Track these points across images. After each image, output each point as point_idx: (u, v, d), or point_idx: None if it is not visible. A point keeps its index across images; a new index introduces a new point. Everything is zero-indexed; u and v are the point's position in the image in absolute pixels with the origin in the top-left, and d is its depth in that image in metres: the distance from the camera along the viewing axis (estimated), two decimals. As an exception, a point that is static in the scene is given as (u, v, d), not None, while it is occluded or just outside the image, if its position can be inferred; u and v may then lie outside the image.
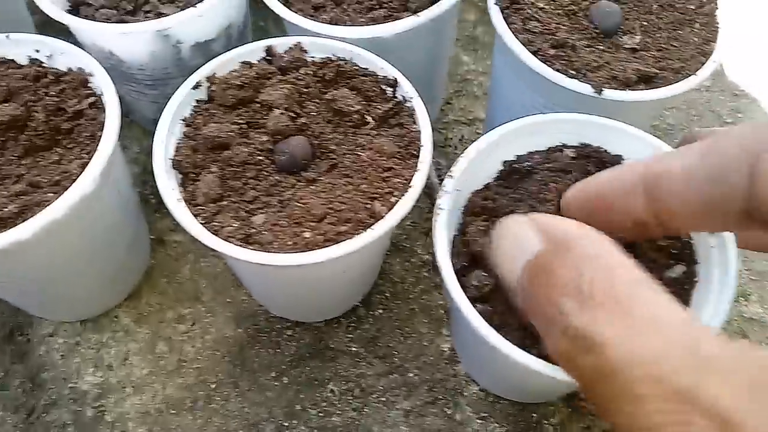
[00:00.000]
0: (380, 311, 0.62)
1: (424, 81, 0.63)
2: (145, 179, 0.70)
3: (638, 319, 0.24)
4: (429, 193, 0.66)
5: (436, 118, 0.74)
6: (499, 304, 0.41)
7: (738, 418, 0.20)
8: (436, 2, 0.54)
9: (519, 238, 0.30)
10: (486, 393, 0.58)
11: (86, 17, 0.60)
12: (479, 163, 0.47)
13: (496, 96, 0.62)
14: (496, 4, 0.53)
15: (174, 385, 0.58)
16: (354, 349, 0.60)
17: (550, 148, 0.48)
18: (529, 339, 0.40)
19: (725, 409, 0.20)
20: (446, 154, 0.71)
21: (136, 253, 0.61)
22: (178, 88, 0.60)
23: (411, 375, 0.59)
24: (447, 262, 0.42)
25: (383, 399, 0.58)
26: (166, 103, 0.63)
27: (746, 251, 0.58)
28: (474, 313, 0.39)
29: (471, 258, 0.43)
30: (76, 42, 0.61)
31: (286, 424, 0.57)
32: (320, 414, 0.57)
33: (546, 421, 0.56)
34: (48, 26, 0.69)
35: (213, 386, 0.58)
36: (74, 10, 0.62)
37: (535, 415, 0.57)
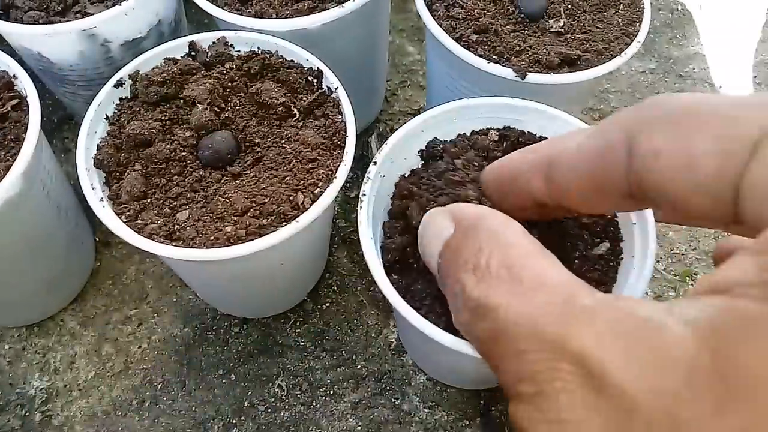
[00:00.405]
0: (327, 304, 0.62)
1: (359, 72, 0.63)
2: (90, 182, 0.70)
3: (526, 284, 0.26)
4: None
5: (381, 109, 0.73)
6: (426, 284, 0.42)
7: (598, 363, 0.21)
8: (362, -9, 0.54)
9: (436, 226, 0.32)
10: (434, 382, 0.57)
11: (15, 20, 0.59)
12: (405, 148, 0.46)
13: (431, 83, 0.62)
14: None
15: (121, 387, 0.58)
16: (302, 343, 0.60)
17: (473, 131, 0.47)
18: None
19: (589, 355, 0.21)
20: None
21: (78, 256, 0.61)
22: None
23: (359, 367, 0.58)
24: (370, 244, 0.41)
25: (331, 392, 0.57)
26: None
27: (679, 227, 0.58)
28: (393, 293, 0.39)
29: (402, 239, 0.44)
30: (8, 47, 0.61)
31: (234, 421, 0.56)
32: (268, 410, 0.57)
33: (493, 408, 0.56)
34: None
35: (160, 386, 0.58)
36: (3, 14, 0.61)
37: (482, 402, 0.57)
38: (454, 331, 0.38)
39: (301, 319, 0.61)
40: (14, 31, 0.55)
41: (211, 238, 0.43)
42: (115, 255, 0.65)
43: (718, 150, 0.23)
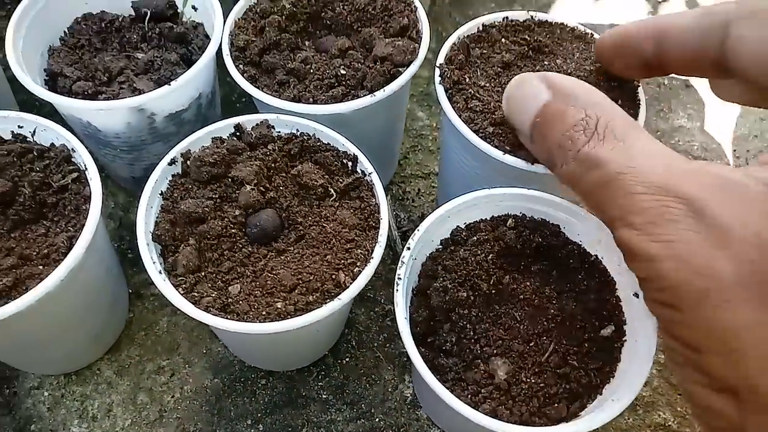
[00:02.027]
0: (347, 359, 0.67)
1: (381, 146, 0.69)
2: (121, 234, 0.74)
3: (631, 147, 0.35)
4: (390, 246, 0.71)
5: (394, 172, 0.79)
6: (459, 360, 0.48)
7: (701, 202, 0.30)
8: (391, 81, 0.59)
9: (531, 88, 0.41)
10: (446, 434, 0.63)
11: (63, 88, 0.64)
12: (432, 232, 0.52)
13: (445, 158, 0.67)
14: (440, 84, 0.58)
15: (155, 435, 0.62)
16: (324, 396, 0.65)
17: (493, 216, 0.53)
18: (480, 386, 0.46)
19: (694, 198, 0.31)
20: (404, 206, 0.76)
21: (117, 309, 0.65)
22: (151, 151, 0.65)
23: (377, 420, 0.63)
24: (405, 325, 0.47)
25: (352, 443, 0.62)
26: (140, 164, 0.68)
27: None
28: (432, 378, 0.45)
29: (430, 312, 0.49)
30: (54, 111, 0.66)
31: (263, 469, 0.61)
32: (294, 458, 0.62)
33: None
34: (29, 102, 0.74)
35: (192, 435, 0.62)
36: (51, 82, 0.66)
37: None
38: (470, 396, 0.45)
39: (323, 372, 0.66)
40: (69, 105, 0.59)
41: (263, 312, 0.48)
42: (147, 307, 0.70)
43: None
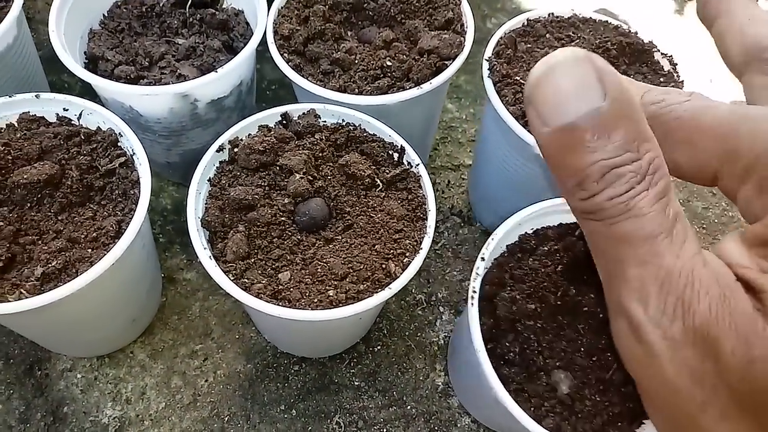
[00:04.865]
0: (379, 347, 0.68)
1: (418, 137, 0.69)
2: (153, 219, 0.75)
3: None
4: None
5: (425, 163, 0.79)
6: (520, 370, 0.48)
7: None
8: (437, 74, 0.60)
9: (580, 78, 0.26)
10: (478, 424, 0.64)
11: (104, 72, 0.64)
12: (503, 239, 0.52)
13: (484, 151, 0.68)
14: (489, 77, 0.59)
15: (190, 418, 0.63)
16: (356, 383, 0.65)
17: (560, 224, 0.54)
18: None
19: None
20: (434, 197, 0.77)
21: (153, 293, 0.66)
22: (189, 137, 0.65)
23: (408, 407, 0.64)
24: (479, 337, 0.47)
25: (384, 430, 0.63)
26: (176, 149, 0.68)
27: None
28: (502, 389, 0.45)
29: (495, 321, 0.50)
30: (91, 93, 0.66)
31: (296, 453, 0.62)
32: (327, 444, 0.62)
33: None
34: (57, 83, 0.74)
35: (226, 419, 0.63)
36: (91, 65, 0.66)
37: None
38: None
39: (355, 360, 0.67)
40: (115, 89, 0.60)
41: (315, 300, 0.49)
42: (180, 291, 0.70)
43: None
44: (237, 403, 0.64)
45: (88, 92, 0.66)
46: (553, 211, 0.54)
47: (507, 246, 0.53)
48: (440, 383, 0.66)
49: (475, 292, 0.48)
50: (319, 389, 0.65)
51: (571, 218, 0.54)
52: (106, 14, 0.70)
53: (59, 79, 0.84)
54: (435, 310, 0.70)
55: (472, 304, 0.48)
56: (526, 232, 0.53)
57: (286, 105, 0.58)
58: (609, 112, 0.25)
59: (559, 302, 0.49)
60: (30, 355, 0.66)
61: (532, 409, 0.46)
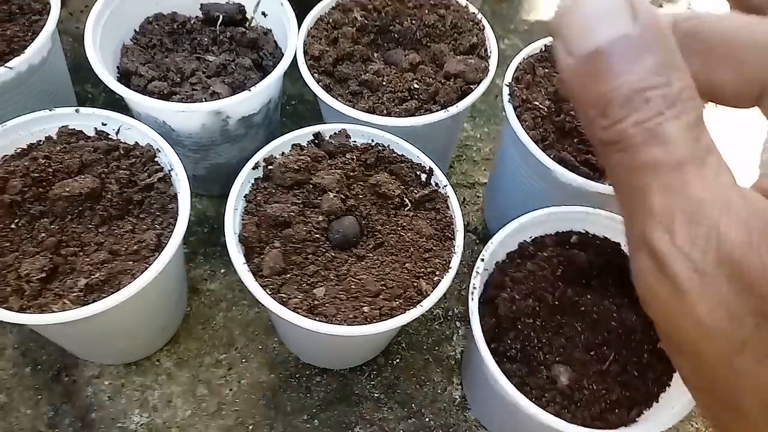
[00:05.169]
0: (397, 360, 0.70)
1: (438, 157, 0.71)
2: (176, 230, 0.76)
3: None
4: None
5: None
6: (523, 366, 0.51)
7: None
8: (463, 97, 0.62)
9: (610, 4, 0.24)
10: (493, 436, 0.66)
11: (137, 86, 0.66)
12: (502, 245, 0.55)
13: (502, 171, 0.70)
14: (509, 102, 0.61)
15: (215, 426, 0.65)
16: (376, 395, 0.67)
17: (557, 232, 0.57)
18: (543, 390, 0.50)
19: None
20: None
21: (180, 303, 0.68)
22: (218, 152, 0.67)
23: (427, 420, 0.66)
24: (480, 331, 0.50)
25: (404, 441, 0.65)
26: (204, 163, 0.70)
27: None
28: (504, 379, 0.48)
29: (496, 321, 0.53)
30: (114, 105, 0.67)
31: (319, 462, 0.64)
32: (348, 454, 0.64)
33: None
34: (81, 94, 0.75)
35: (251, 428, 0.65)
36: (123, 79, 0.68)
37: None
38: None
39: (375, 372, 0.69)
40: (150, 105, 0.62)
41: (350, 315, 0.51)
42: (203, 302, 0.72)
43: None
44: (261, 412, 0.66)
45: (111, 104, 0.68)
46: (551, 219, 0.57)
47: (507, 253, 0.57)
48: (457, 396, 0.68)
49: (474, 288, 0.52)
50: (341, 400, 0.67)
51: (567, 227, 0.57)
52: (137, 29, 0.72)
53: (83, 90, 0.85)
54: (452, 325, 0.72)
55: (472, 299, 0.51)
56: (525, 240, 0.57)
57: (316, 125, 0.60)
58: (639, 38, 0.23)
59: (557, 302, 0.54)
60: (57, 361, 0.67)
61: (534, 400, 0.50)
